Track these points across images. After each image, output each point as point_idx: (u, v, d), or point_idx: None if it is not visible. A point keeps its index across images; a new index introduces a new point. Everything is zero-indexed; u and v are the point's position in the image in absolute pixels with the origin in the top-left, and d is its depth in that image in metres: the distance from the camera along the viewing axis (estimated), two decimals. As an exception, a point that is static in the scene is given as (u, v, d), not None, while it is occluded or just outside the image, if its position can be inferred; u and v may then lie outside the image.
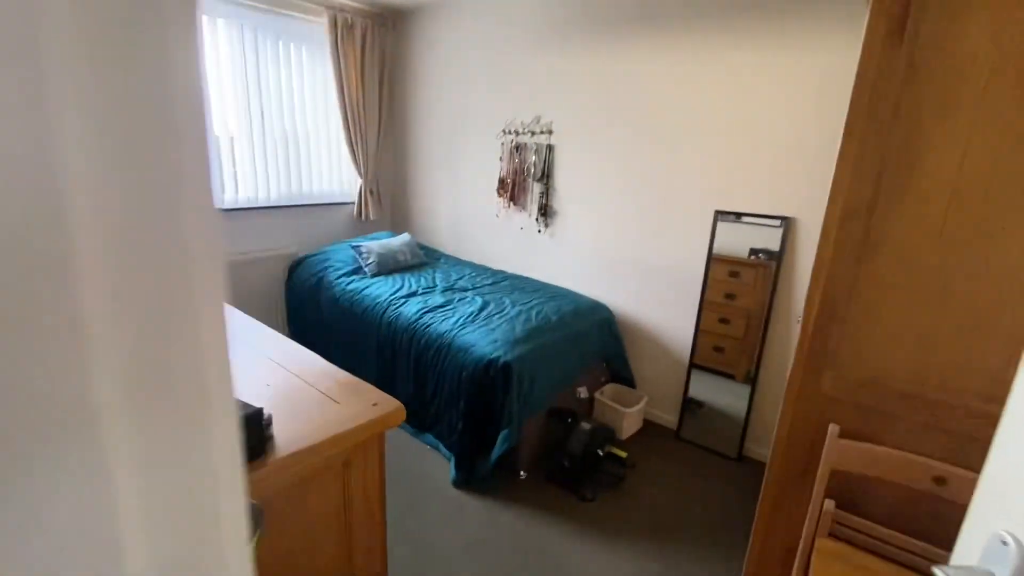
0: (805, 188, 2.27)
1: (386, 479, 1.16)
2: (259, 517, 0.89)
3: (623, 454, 2.52)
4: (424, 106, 3.78)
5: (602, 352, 2.81)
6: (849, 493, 1.32)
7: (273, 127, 3.28)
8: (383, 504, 1.17)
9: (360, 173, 3.70)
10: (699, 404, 2.79)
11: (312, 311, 3.18)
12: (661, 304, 2.85)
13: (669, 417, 2.93)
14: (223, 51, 2.97)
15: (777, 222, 2.38)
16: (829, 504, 1.29)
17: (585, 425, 2.35)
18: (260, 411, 0.89)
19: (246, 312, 3.19)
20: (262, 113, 3.20)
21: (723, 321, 2.60)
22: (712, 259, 2.59)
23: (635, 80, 2.71)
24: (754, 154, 2.40)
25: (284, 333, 3.46)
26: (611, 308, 2.98)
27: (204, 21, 2.85)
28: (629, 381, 2.97)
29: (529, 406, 2.28)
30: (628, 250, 2.92)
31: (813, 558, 1.27)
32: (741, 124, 2.41)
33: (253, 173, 3.24)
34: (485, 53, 3.33)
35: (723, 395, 2.70)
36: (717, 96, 2.45)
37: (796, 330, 2.35)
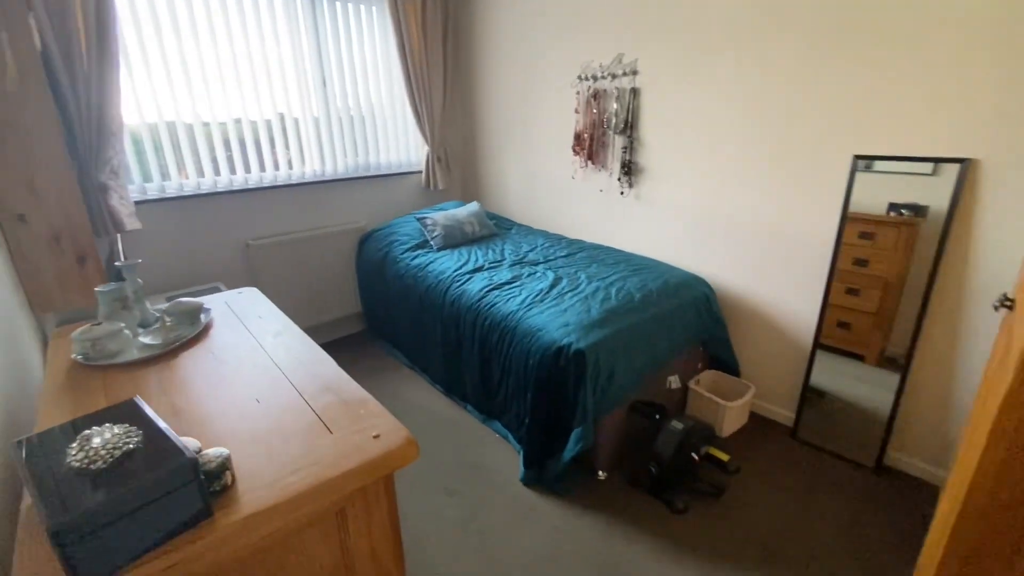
0: (995, 117, 1.63)
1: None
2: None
3: (724, 457, 2.11)
4: (491, 60, 3.42)
5: (698, 334, 2.37)
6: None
7: (335, 96, 3.13)
8: (400, 562, 0.89)
9: (426, 139, 3.47)
10: (820, 394, 2.28)
11: (380, 288, 3.06)
12: (774, 274, 2.33)
13: (783, 411, 2.43)
14: (280, 18, 2.83)
15: (929, 167, 1.80)
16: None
17: (676, 424, 1.97)
18: (193, 462, 0.66)
19: (318, 291, 3.19)
20: (323, 82, 3.05)
21: (851, 292, 2.13)
22: (847, 218, 2.04)
23: (743, -7, 2.14)
24: (913, 70, 1.77)
25: (356, 312, 3.41)
26: (710, 281, 2.50)
27: (259, -14, 2.70)
28: (732, 368, 2.50)
29: (607, 400, 1.95)
30: (733, 211, 2.40)
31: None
32: (901, 29, 1.78)
33: (318, 145, 3.13)
34: (556, -13, 2.88)
35: (851, 382, 2.18)
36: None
37: (983, 314, 1.79)
